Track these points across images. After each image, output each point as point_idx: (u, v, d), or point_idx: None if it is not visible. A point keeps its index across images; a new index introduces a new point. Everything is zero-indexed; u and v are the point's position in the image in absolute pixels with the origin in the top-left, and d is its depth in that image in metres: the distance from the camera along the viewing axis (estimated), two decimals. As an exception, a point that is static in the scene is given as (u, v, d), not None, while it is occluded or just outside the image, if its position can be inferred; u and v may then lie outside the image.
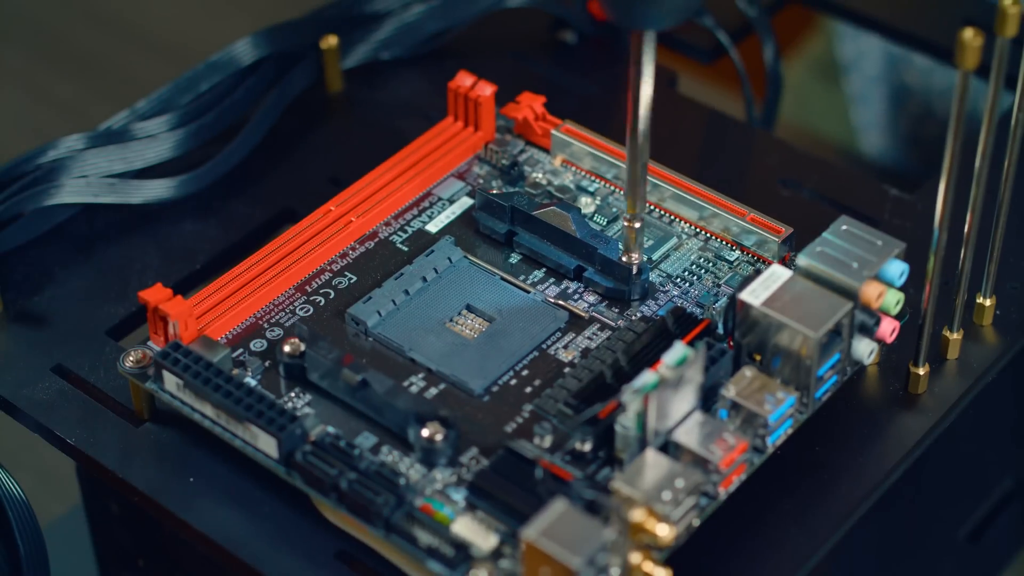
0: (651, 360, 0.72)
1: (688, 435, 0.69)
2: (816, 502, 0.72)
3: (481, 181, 0.83)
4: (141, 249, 0.84)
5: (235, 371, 0.74)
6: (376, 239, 0.81)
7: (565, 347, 0.76)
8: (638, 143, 0.73)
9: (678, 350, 0.68)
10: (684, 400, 0.69)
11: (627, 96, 0.71)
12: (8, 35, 1.37)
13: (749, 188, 0.86)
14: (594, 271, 0.77)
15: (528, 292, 0.78)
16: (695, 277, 0.78)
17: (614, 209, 0.81)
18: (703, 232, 0.80)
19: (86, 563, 0.90)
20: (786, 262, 0.78)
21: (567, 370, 0.75)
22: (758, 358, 0.72)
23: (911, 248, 0.74)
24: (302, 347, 0.74)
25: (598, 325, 0.77)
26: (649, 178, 0.81)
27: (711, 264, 0.79)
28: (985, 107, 0.70)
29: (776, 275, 0.72)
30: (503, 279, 0.79)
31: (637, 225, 0.75)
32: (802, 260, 0.73)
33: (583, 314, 0.77)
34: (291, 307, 0.77)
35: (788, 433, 0.72)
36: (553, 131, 0.83)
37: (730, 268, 0.79)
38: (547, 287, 0.78)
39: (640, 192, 0.74)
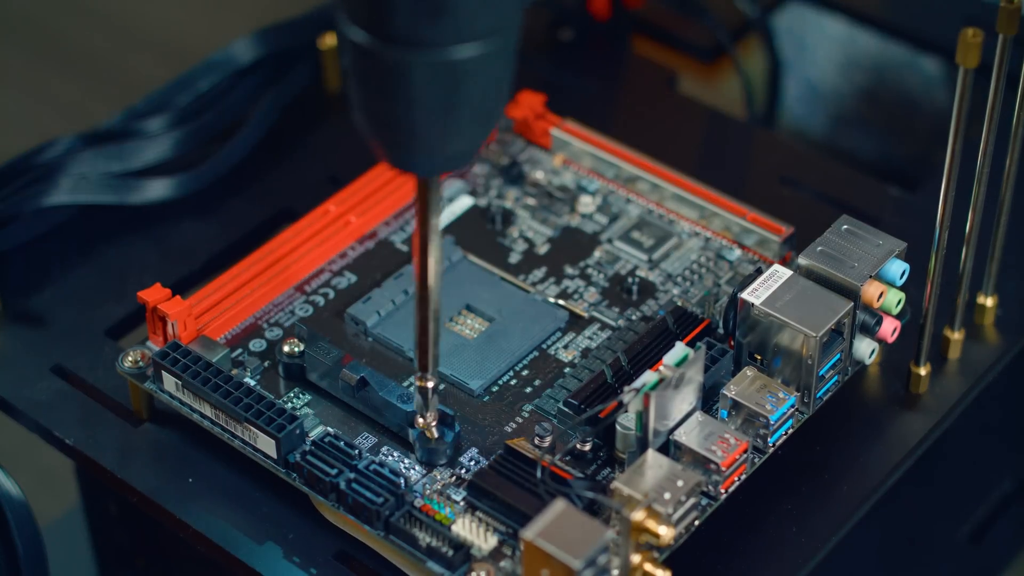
0: (652, 360, 0.72)
1: (689, 435, 0.69)
2: (816, 502, 0.72)
3: (481, 181, 0.83)
4: (140, 249, 0.83)
5: (234, 371, 0.74)
6: (376, 239, 0.81)
7: (565, 347, 0.76)
8: (428, 301, 0.65)
9: (679, 350, 0.68)
10: (685, 400, 0.69)
11: (412, 249, 0.62)
12: (8, 35, 1.37)
13: (749, 188, 0.86)
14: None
15: (528, 292, 0.78)
16: (696, 276, 0.78)
17: (614, 209, 0.81)
18: (703, 232, 0.80)
19: (85, 563, 0.90)
20: (787, 261, 0.78)
21: (567, 370, 0.75)
22: (759, 358, 0.72)
23: (912, 248, 0.74)
24: (301, 347, 0.74)
25: (598, 325, 0.76)
26: (649, 178, 0.81)
27: (711, 264, 0.79)
28: (987, 107, 0.70)
29: (777, 274, 0.72)
30: (503, 279, 0.78)
31: (430, 384, 0.68)
32: (803, 259, 0.72)
33: (583, 314, 0.77)
34: (290, 307, 0.77)
35: (789, 433, 0.72)
36: (553, 130, 0.83)
37: (730, 268, 0.79)
38: (547, 287, 0.78)
39: (433, 351, 0.67)
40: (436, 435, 0.70)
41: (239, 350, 0.75)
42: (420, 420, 0.70)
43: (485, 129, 0.60)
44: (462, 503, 0.70)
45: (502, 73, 0.59)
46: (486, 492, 0.69)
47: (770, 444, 0.71)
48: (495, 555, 0.68)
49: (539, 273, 0.79)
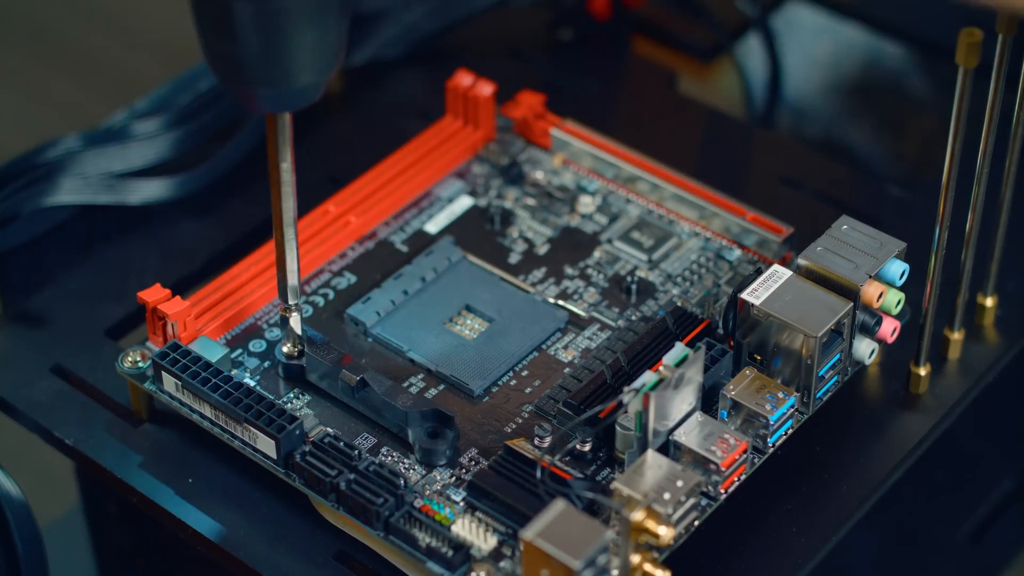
0: (651, 360, 0.72)
1: (688, 435, 0.69)
2: (816, 502, 0.72)
3: (481, 181, 0.83)
4: (140, 249, 0.83)
5: (234, 371, 0.74)
6: (375, 239, 0.81)
7: (565, 347, 0.76)
8: (284, 236, 0.70)
9: (678, 350, 0.68)
10: (684, 400, 0.69)
11: (270, 179, 0.69)
12: (8, 35, 1.37)
13: (749, 188, 0.85)
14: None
15: (528, 292, 0.78)
16: (696, 277, 0.78)
17: (614, 209, 0.81)
18: (703, 232, 0.80)
19: (85, 564, 0.90)
20: (787, 262, 0.78)
21: (567, 370, 0.75)
22: (759, 358, 0.72)
23: (912, 248, 0.74)
24: (301, 347, 0.74)
25: (598, 325, 0.76)
26: (649, 178, 0.81)
27: (711, 264, 0.79)
28: (987, 107, 0.70)
29: (777, 275, 0.72)
30: (503, 279, 0.78)
31: (295, 315, 0.73)
32: (803, 260, 0.72)
33: (583, 314, 0.77)
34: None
35: (789, 433, 0.71)
36: (553, 130, 0.83)
37: (730, 268, 0.79)
38: (547, 287, 0.78)
39: (292, 281, 0.72)
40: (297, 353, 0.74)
41: (239, 350, 0.75)
42: (286, 348, 0.74)
43: (322, 70, 0.66)
44: (462, 503, 0.70)
45: (329, 16, 0.64)
46: (486, 492, 0.69)
47: (770, 444, 0.71)
48: (495, 555, 0.68)
49: (539, 273, 0.79)
